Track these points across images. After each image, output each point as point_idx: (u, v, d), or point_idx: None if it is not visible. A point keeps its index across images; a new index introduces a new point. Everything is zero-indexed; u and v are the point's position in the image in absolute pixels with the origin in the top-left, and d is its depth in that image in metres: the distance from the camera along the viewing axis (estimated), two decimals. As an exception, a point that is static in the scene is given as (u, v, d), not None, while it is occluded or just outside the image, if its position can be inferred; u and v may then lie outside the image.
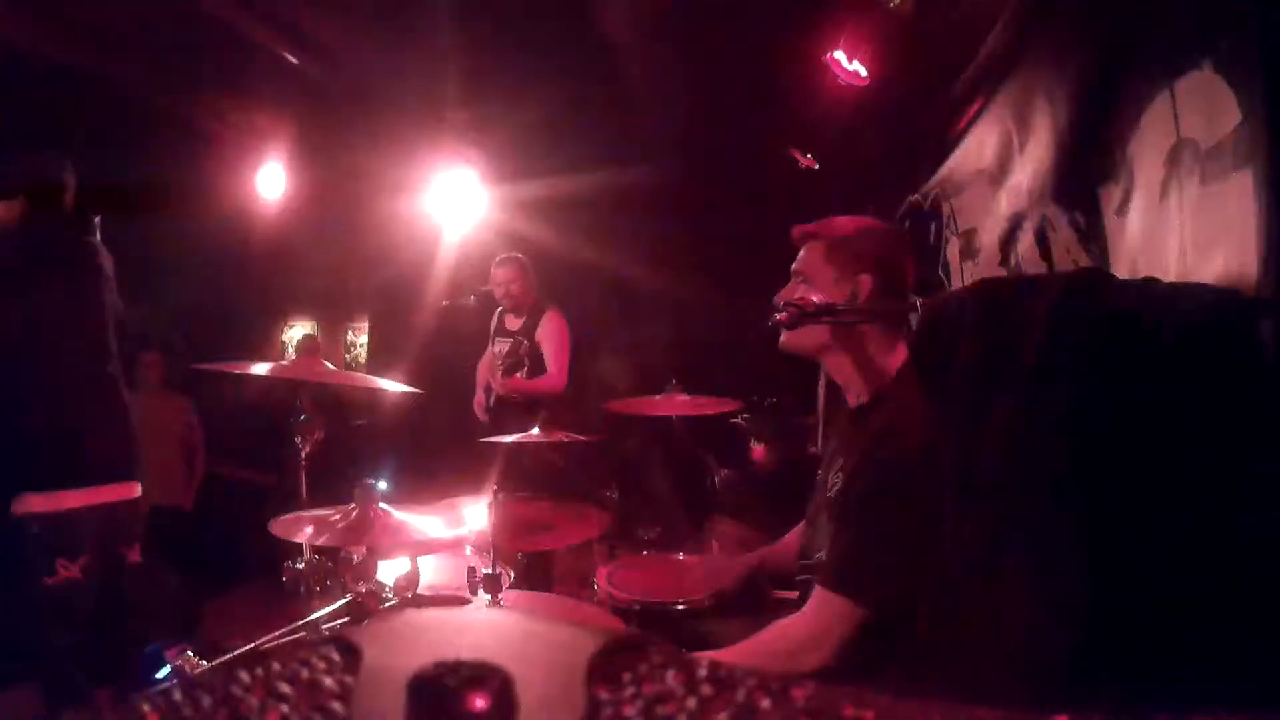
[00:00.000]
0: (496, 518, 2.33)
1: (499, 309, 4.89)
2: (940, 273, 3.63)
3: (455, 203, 5.47)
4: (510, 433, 3.03)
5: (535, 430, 2.88)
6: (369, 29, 4.41)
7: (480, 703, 0.32)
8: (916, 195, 4.06)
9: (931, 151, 3.78)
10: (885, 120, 4.04)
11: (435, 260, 5.82)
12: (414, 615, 0.40)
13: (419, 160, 5.40)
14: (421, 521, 2.29)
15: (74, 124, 4.77)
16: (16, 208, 2.82)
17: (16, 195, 2.82)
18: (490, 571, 2.17)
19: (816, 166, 4.75)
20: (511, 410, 4.51)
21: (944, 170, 3.68)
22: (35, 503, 2.69)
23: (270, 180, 5.63)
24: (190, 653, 1.74)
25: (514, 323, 4.80)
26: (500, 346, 4.81)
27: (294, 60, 4.51)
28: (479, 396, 4.88)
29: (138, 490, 2.94)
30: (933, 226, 3.78)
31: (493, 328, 4.94)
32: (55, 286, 2.79)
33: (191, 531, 5.69)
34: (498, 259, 4.79)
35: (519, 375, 4.64)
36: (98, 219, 2.96)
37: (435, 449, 5.32)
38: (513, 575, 2.15)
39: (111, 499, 2.83)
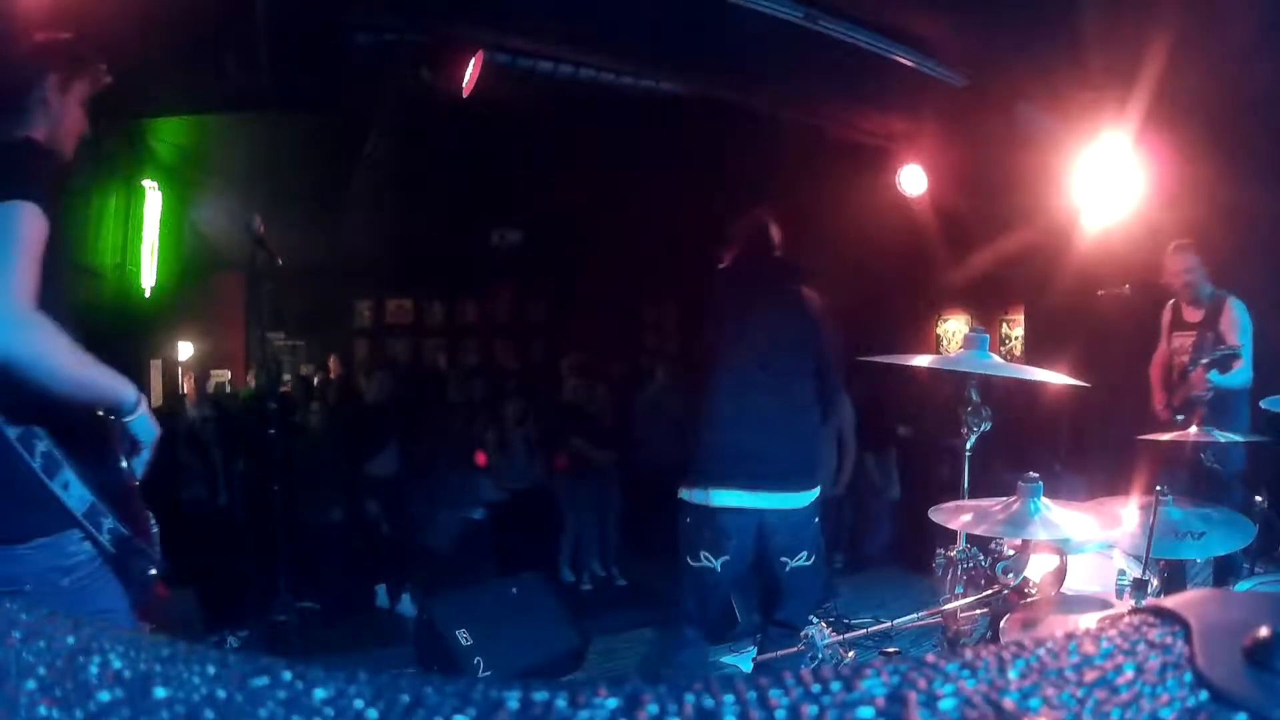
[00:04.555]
0: (1150, 521, 2.32)
1: (1171, 301, 4.64)
2: None
3: (1109, 183, 5.22)
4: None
5: (1192, 429, 2.74)
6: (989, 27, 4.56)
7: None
8: None
9: None
10: None
11: (1092, 248, 5.62)
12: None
13: (1065, 145, 5.29)
14: (1076, 520, 2.36)
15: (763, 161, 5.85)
16: (735, 250, 3.54)
17: (737, 241, 3.54)
18: (1140, 576, 2.18)
19: None
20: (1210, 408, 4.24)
21: None
22: (694, 491, 3.23)
23: (912, 180, 6.07)
24: (823, 624, 2.07)
25: (1193, 314, 4.52)
26: (1179, 341, 4.57)
27: (915, 65, 4.86)
28: (1158, 396, 4.68)
29: (803, 502, 3.25)
30: None
31: (1166, 321, 4.70)
32: (758, 316, 3.34)
33: (838, 508, 6.31)
34: (1173, 245, 4.53)
35: (1201, 370, 4.33)
36: (801, 267, 3.53)
37: (1093, 444, 5.17)
38: (1156, 582, 2.13)
39: (769, 506, 3.18)
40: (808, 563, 3.28)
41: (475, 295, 11.04)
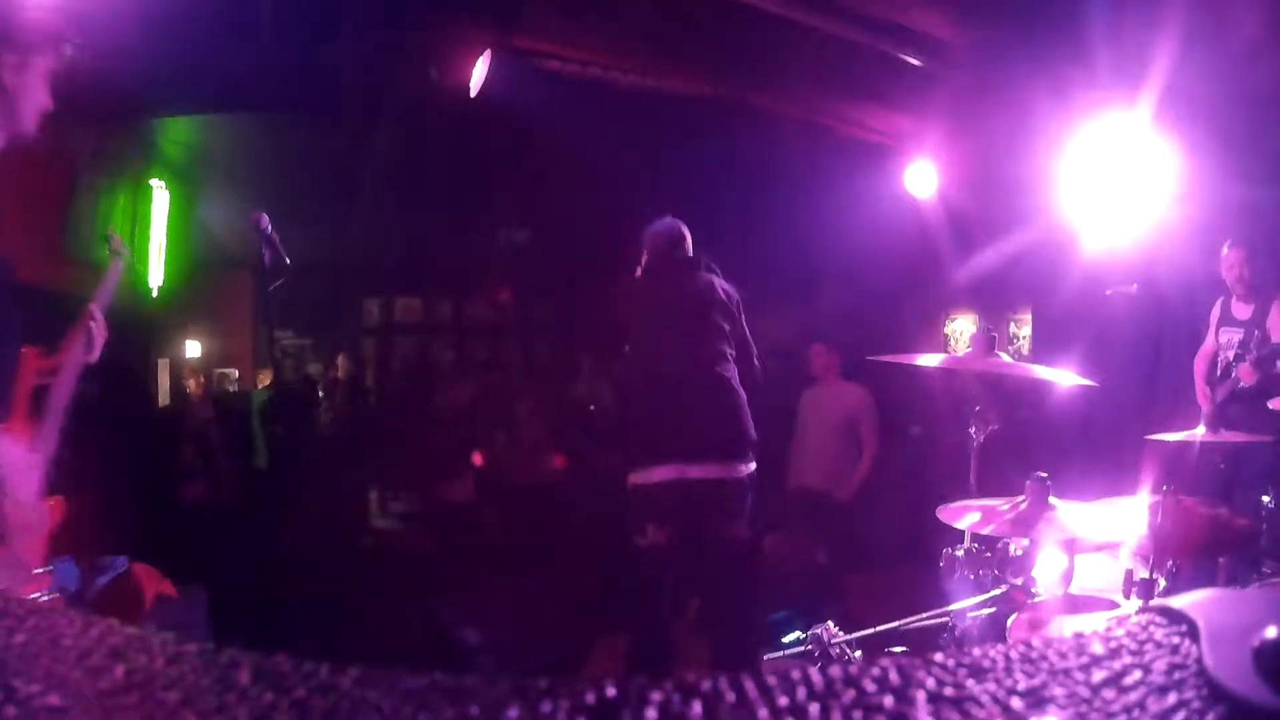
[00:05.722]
0: (1160, 521, 2.31)
1: (1221, 298, 4.66)
2: None
3: (1116, 181, 5.18)
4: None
5: (1199, 430, 2.72)
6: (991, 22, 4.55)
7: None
8: None
9: None
10: None
11: (1100, 247, 5.59)
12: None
13: (1072, 144, 5.26)
14: (1085, 519, 2.35)
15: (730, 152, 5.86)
16: (646, 259, 3.69)
17: (649, 250, 3.68)
18: (1147, 576, 2.17)
19: None
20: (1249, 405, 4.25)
21: None
22: (633, 475, 3.42)
23: (919, 178, 6.05)
24: (830, 623, 2.07)
25: (1243, 311, 4.52)
26: (1227, 337, 4.58)
27: (919, 63, 4.85)
28: (1201, 388, 4.70)
29: (735, 472, 3.40)
30: None
31: (1215, 317, 4.71)
32: (671, 317, 3.52)
33: (848, 512, 6.27)
34: (1229, 241, 4.54)
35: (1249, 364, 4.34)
36: (705, 260, 3.64)
37: (1102, 444, 5.15)
38: (1164, 583, 2.12)
39: (696, 476, 3.34)
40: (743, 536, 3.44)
41: (483, 293, 11.04)
